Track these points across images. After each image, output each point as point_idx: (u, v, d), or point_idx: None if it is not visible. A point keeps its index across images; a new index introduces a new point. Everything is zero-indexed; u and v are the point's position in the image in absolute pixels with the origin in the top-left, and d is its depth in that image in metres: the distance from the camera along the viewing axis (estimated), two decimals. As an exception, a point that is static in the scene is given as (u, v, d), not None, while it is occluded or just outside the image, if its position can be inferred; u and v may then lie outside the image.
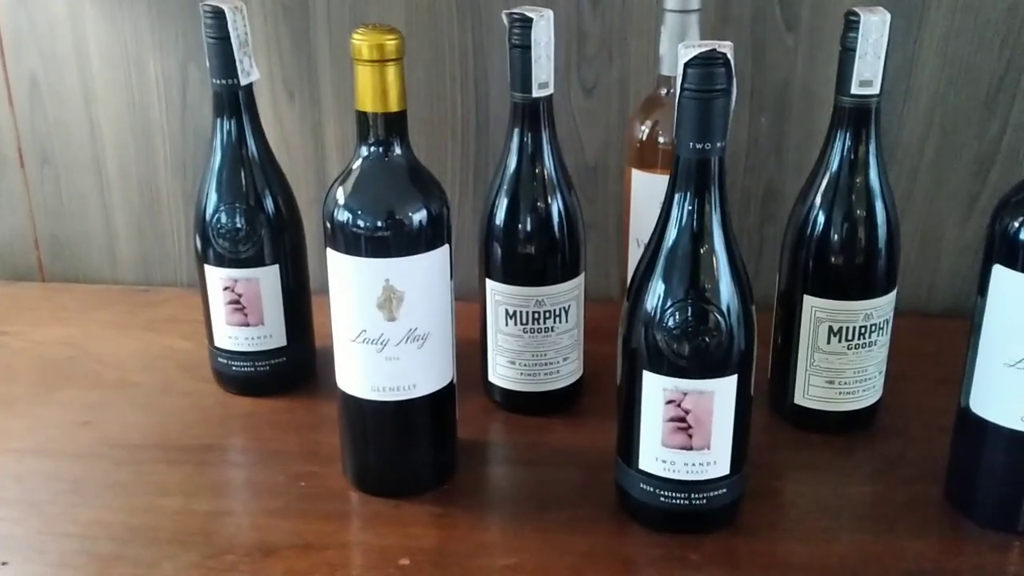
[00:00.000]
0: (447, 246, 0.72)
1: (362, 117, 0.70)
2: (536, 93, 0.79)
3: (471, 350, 0.88)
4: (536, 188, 0.82)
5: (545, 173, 0.82)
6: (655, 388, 0.68)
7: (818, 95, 1.00)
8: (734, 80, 0.63)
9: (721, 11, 0.97)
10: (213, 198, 0.85)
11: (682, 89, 0.64)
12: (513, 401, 0.87)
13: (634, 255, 0.91)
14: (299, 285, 0.90)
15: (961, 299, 1.06)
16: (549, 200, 0.82)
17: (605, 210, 1.06)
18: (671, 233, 0.67)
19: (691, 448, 0.69)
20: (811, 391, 0.83)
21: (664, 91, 0.87)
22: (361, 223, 0.69)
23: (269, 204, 0.87)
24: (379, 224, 0.69)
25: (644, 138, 0.88)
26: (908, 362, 0.90)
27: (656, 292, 0.68)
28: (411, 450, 0.76)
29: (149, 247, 1.14)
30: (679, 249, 0.67)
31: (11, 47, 1.08)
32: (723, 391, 0.68)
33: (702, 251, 0.66)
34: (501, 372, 0.86)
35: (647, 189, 0.88)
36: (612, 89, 1.02)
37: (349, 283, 0.71)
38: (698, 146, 0.64)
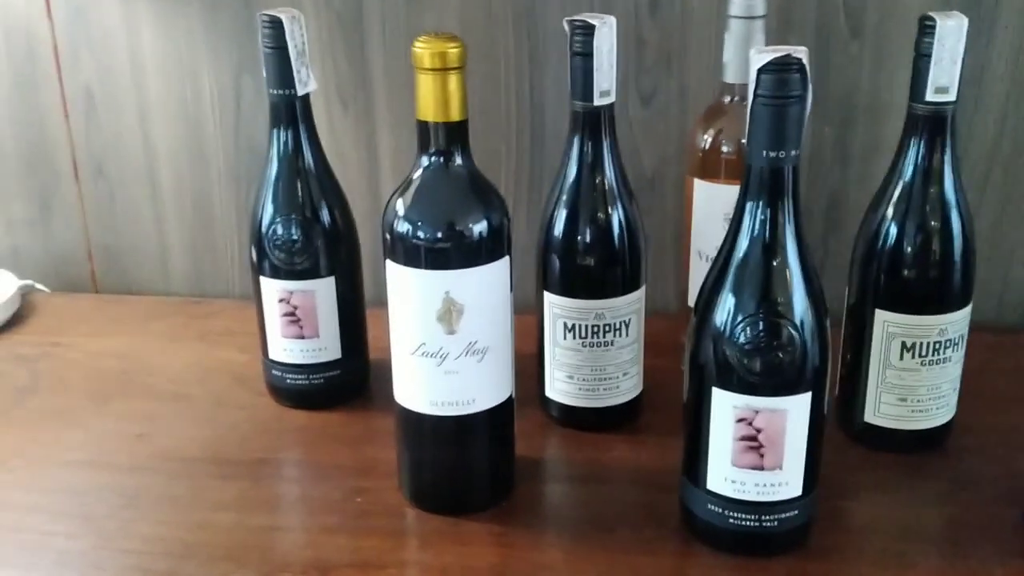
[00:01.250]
0: (508, 258, 0.71)
1: (423, 127, 0.69)
2: (598, 101, 0.77)
3: (527, 364, 0.86)
4: (596, 198, 0.80)
5: (606, 183, 0.80)
6: (725, 406, 0.66)
7: (884, 103, 0.97)
8: (809, 86, 0.61)
9: (784, 17, 0.95)
10: (269, 209, 0.85)
11: (755, 96, 0.62)
12: (571, 417, 0.85)
13: (696, 267, 0.89)
14: (354, 297, 0.89)
15: (1033, 314, 1.02)
16: (610, 210, 0.80)
17: (662, 222, 1.04)
18: (742, 244, 0.65)
19: (762, 468, 0.66)
20: (882, 409, 0.80)
21: (728, 99, 0.85)
22: (421, 234, 0.68)
23: (325, 215, 0.85)
24: (439, 236, 0.68)
25: (707, 147, 0.86)
26: (980, 378, 0.87)
27: (726, 306, 0.65)
28: (470, 466, 0.74)
29: (202, 259, 1.14)
30: (750, 261, 0.65)
31: (67, 60, 1.08)
32: (797, 409, 0.65)
33: (775, 263, 0.64)
34: (559, 387, 0.84)
35: (710, 199, 0.86)
36: (671, 99, 1.00)
37: (408, 295, 0.69)
38: (771, 155, 0.62)
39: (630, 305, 0.82)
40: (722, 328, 0.65)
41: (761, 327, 0.64)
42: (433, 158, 0.69)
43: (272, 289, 0.86)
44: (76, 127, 1.11)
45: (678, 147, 1.01)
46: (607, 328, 0.81)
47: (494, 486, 0.76)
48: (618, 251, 0.81)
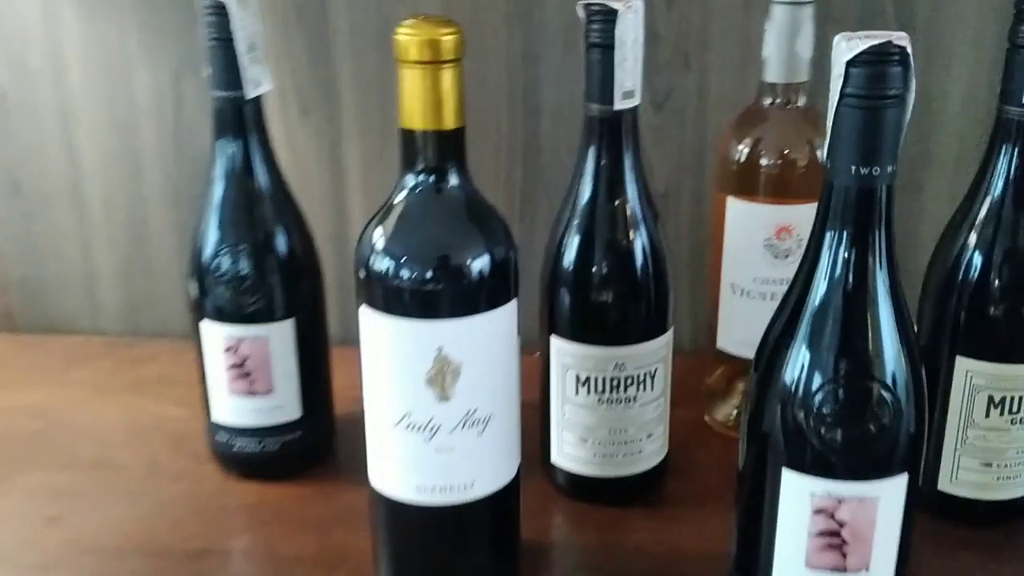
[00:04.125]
0: (514, 301, 0.56)
1: (408, 137, 0.54)
2: (619, 104, 0.63)
3: (525, 418, 0.71)
4: (617, 222, 0.65)
5: (627, 204, 0.65)
6: (799, 492, 0.51)
7: (935, 106, 0.84)
8: (913, 82, 0.47)
9: (824, 7, 0.80)
10: (212, 238, 0.69)
11: (842, 95, 0.47)
12: (583, 488, 0.70)
13: (728, 302, 0.75)
14: (317, 344, 0.73)
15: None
16: (632, 237, 0.66)
17: (676, 245, 0.89)
18: (820, 285, 0.51)
19: (844, 570, 0.52)
20: (961, 475, 0.66)
21: (768, 101, 0.71)
22: (406, 274, 0.53)
23: (282, 244, 0.70)
24: (430, 276, 0.53)
25: (742, 159, 0.72)
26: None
27: (801, 363, 0.51)
28: (466, 564, 0.59)
29: (137, 291, 0.98)
30: (833, 307, 0.50)
31: (-26, 57, 0.91)
32: (890, 495, 0.51)
33: (866, 310, 0.50)
34: (569, 452, 0.69)
35: (747, 221, 0.72)
36: (688, 102, 0.86)
37: (389, 352, 0.54)
38: (863, 171, 0.48)
39: (656, 352, 0.67)
40: (797, 392, 0.51)
41: (851, 394, 0.50)
42: (421, 177, 0.54)
43: (216, 335, 0.70)
44: (-14, 137, 0.94)
45: (696, 157, 0.87)
46: (629, 381, 0.66)
47: (496, 585, 0.61)
48: (642, 286, 0.66)
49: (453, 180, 0.54)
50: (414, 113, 0.53)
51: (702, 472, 0.74)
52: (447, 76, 0.52)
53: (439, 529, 0.58)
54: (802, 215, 0.71)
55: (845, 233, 0.50)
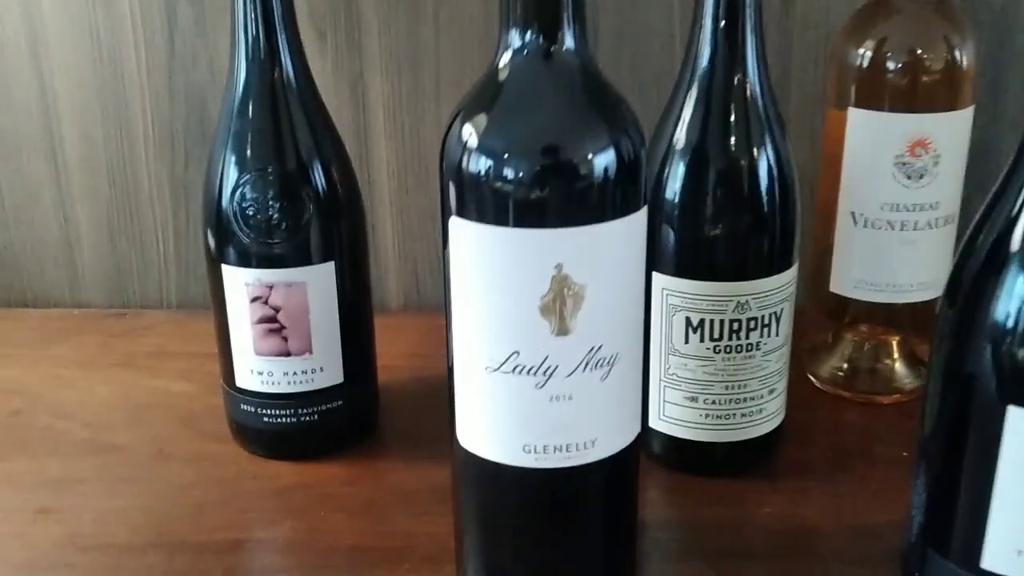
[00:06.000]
0: (645, 209, 0.44)
1: (512, -12, 0.42)
2: (742, -22, 0.51)
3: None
4: (736, 128, 0.54)
5: (748, 106, 0.54)
6: (1030, 434, 0.40)
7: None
8: None
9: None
10: (233, 163, 0.56)
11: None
12: (689, 456, 0.58)
13: (846, 234, 0.64)
14: (360, 293, 0.61)
15: None
16: (755, 147, 0.54)
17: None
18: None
19: (1086, 535, 0.41)
20: None
21: (895, -7, 0.61)
22: (512, 172, 0.41)
23: (318, 172, 0.58)
24: (546, 172, 0.41)
25: (865, 64, 0.61)
26: None
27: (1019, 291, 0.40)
28: (577, 544, 0.47)
29: (124, 255, 0.84)
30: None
31: (-73, -18, 0.78)
32: None
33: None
34: (673, 414, 0.58)
35: (872, 135, 0.61)
36: (768, 21, 0.74)
37: (494, 273, 0.42)
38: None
39: (784, 289, 0.56)
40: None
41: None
42: (529, 36, 0.42)
43: (240, 282, 0.57)
44: (-57, 78, 0.80)
45: (779, 83, 0.75)
46: (752, 324, 0.55)
47: (613, 574, 0.49)
48: (766, 210, 0.54)
49: (569, 43, 0.42)
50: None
51: (816, 435, 0.63)
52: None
53: (548, 500, 0.45)
54: (941, 125, 0.60)
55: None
